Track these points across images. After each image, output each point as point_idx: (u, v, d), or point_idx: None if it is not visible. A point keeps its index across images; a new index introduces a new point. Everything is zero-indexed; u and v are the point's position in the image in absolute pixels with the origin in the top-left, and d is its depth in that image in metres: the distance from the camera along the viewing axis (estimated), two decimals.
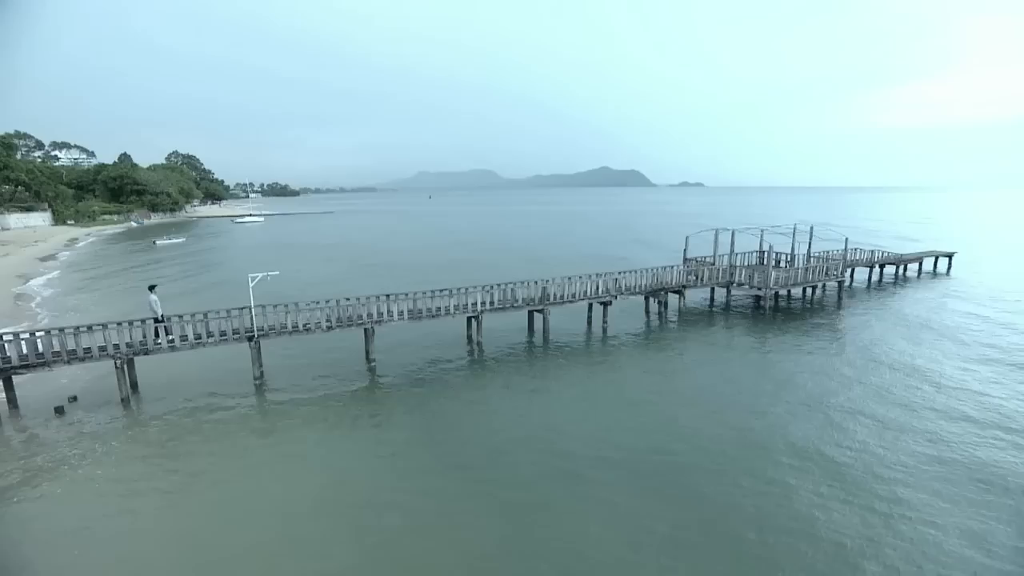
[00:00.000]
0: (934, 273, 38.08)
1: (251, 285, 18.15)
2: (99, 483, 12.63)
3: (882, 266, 36.01)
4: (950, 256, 39.77)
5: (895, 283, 34.96)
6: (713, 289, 30.29)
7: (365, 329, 20.17)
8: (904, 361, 19.91)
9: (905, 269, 37.30)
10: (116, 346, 16.82)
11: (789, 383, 18.03)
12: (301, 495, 12.07)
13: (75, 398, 17.41)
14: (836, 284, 30.82)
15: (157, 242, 66.81)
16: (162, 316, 18.05)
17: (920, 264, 38.24)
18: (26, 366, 16.08)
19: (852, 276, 33.97)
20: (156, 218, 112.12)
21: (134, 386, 17.91)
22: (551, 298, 23.22)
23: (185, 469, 13.22)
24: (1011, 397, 16.51)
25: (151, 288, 18.79)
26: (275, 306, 19.16)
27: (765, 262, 31.10)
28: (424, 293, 21.11)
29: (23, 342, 16.12)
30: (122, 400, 16.91)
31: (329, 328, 19.41)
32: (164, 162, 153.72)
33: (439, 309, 21.26)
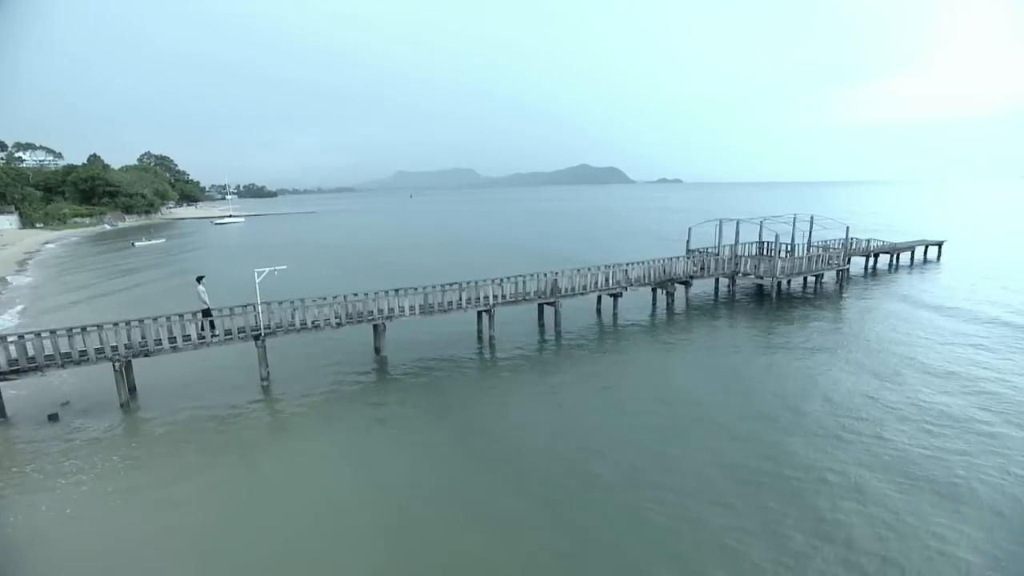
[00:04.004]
0: (924, 260, 38.91)
1: (257, 281, 17.25)
2: (104, 495, 11.71)
3: (876, 255, 36.46)
4: (939, 244, 40.58)
5: (889, 270, 35.55)
6: (717, 279, 30.20)
7: (375, 325, 19.43)
8: (914, 345, 19.99)
9: (898, 257, 37.86)
10: (114, 348, 15.80)
11: (811, 374, 17.88)
12: (320, 500, 11.39)
13: (68, 403, 16.34)
14: (835, 273, 30.98)
15: (136, 244, 64.49)
16: (210, 308, 17.48)
17: (912, 252, 38.86)
18: (16, 371, 14.99)
19: (848, 264, 34.29)
20: (131, 220, 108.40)
21: (132, 390, 16.88)
22: (562, 291, 22.75)
23: (194, 478, 12.37)
24: None
25: (199, 279, 18.10)
26: (281, 303, 18.30)
27: (766, 252, 31.16)
28: (434, 287, 20.43)
29: (12, 345, 15.02)
30: (121, 405, 15.91)
31: (339, 325, 18.62)
32: (137, 163, 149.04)
33: (450, 303, 20.60)
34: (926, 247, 40.15)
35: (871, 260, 36.37)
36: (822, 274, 30.16)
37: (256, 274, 17.38)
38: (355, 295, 19.34)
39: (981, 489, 10.94)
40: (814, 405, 15.09)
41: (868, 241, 35.48)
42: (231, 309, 17.59)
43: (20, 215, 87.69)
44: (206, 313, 17.44)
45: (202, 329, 17.09)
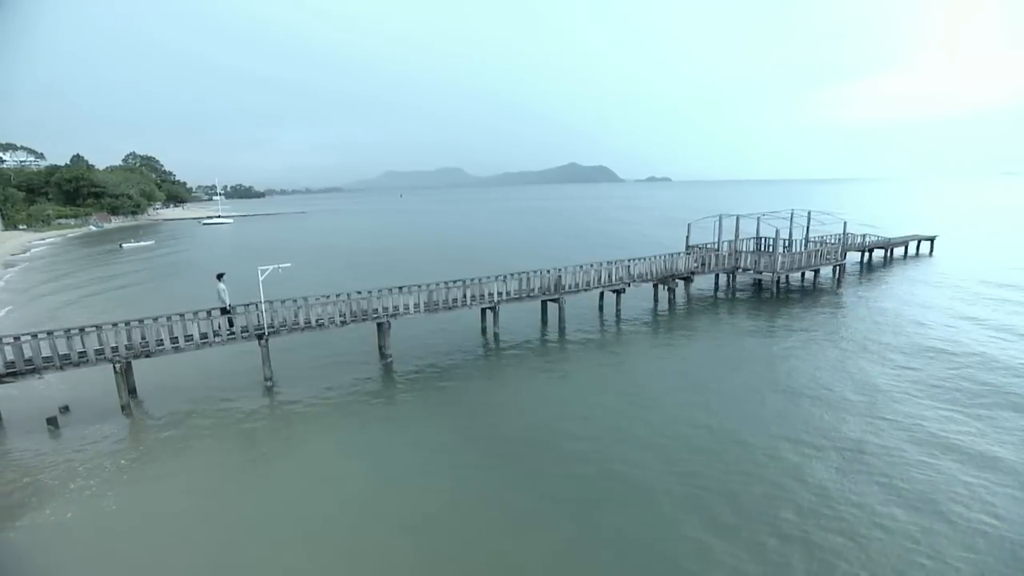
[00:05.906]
0: (917, 254, 39.43)
1: (260, 279, 16.94)
2: (110, 504, 11.34)
3: (871, 250, 36.85)
4: (932, 239, 41.11)
5: (884, 265, 35.91)
6: (717, 275, 30.31)
7: (379, 323, 19.18)
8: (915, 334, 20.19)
9: (892, 252, 38.27)
10: (114, 348, 15.41)
11: (816, 367, 17.96)
12: (330, 499, 11.19)
13: (67, 408, 15.91)
14: (831, 268, 31.20)
15: (124, 245, 63.35)
16: (229, 306, 17.09)
17: (906, 247, 39.35)
18: (13, 374, 14.55)
19: (845, 259, 34.59)
20: (117, 221, 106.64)
21: (133, 391, 16.51)
22: (565, 287, 22.65)
23: (201, 484, 12.05)
24: None
25: (219, 277, 17.60)
26: (284, 301, 18.00)
27: (764, 247, 31.34)
28: (438, 284, 20.24)
29: (8, 347, 14.58)
30: (122, 408, 15.53)
31: (343, 323, 18.35)
32: (122, 163, 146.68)
33: (455, 300, 20.41)
34: (919, 242, 40.66)
35: (866, 255, 36.77)
36: (819, 269, 30.41)
37: (260, 272, 17.06)
38: (359, 293, 19.11)
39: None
40: (826, 395, 15.16)
41: (864, 237, 35.81)
42: (233, 308, 17.25)
43: (2, 217, 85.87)
44: (224, 311, 17.06)
45: (222, 328, 16.75)
